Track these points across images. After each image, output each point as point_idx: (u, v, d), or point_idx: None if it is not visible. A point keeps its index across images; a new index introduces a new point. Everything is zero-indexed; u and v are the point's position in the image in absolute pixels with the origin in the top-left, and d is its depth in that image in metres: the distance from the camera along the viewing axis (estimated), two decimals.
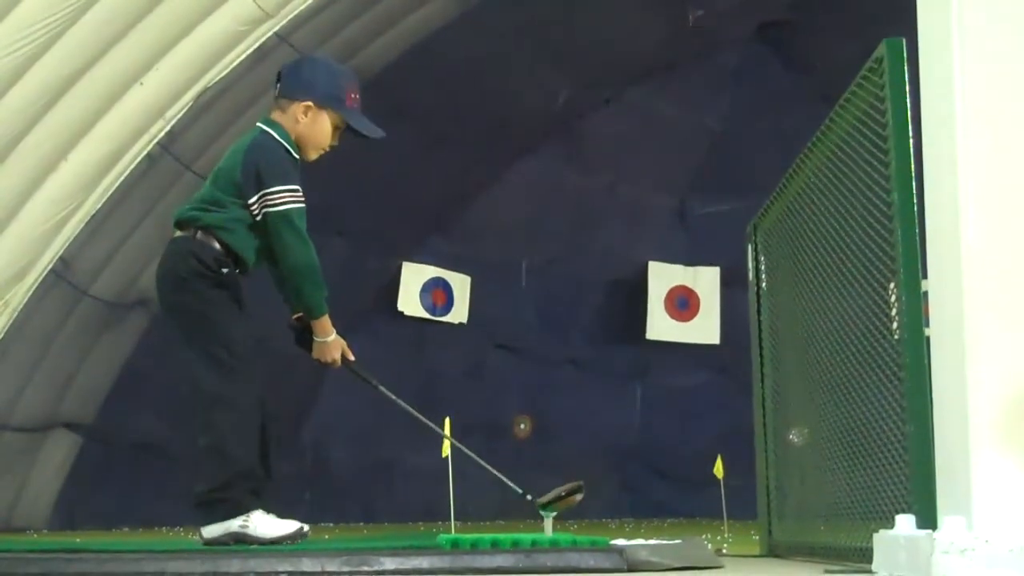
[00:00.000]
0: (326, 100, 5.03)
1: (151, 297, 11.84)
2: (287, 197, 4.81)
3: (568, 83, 15.01)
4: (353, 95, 5.11)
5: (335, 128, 5.09)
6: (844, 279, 4.69)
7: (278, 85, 5.10)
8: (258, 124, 5.05)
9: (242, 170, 4.84)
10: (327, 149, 5.12)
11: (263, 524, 4.62)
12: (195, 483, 4.67)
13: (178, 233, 4.93)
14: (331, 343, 5.07)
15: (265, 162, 4.85)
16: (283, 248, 4.82)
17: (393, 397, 5.26)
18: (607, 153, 16.54)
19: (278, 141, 4.94)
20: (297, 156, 5.00)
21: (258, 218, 4.82)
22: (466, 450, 5.68)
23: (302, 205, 4.84)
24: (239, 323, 4.83)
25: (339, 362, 5.13)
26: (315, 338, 5.05)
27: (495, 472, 5.39)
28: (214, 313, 4.79)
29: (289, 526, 4.66)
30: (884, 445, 4.14)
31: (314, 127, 5.02)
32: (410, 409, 5.35)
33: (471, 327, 16.53)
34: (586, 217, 16.87)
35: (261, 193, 4.80)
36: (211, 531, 4.63)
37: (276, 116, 5.04)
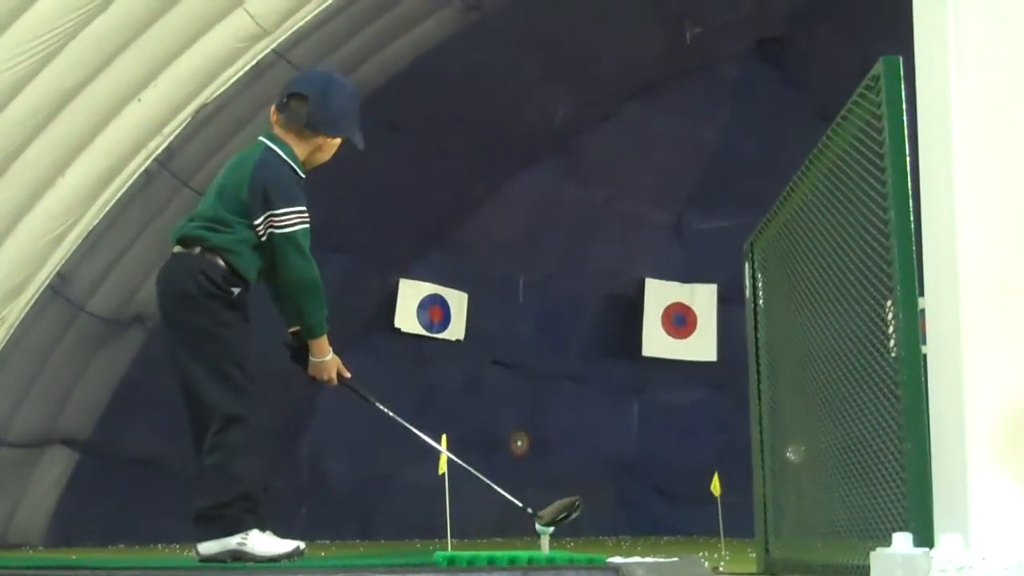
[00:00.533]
0: (351, 130, 5.04)
1: (148, 313, 11.84)
2: (293, 218, 4.80)
3: (566, 98, 15.02)
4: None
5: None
6: (841, 296, 4.69)
7: (297, 104, 4.98)
8: (261, 139, 5.00)
9: (248, 188, 4.81)
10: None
11: (261, 542, 4.61)
12: (197, 498, 4.66)
13: (179, 249, 4.90)
14: (328, 362, 5.07)
15: (272, 182, 4.82)
16: (288, 268, 4.82)
17: (390, 413, 5.26)
18: (605, 168, 16.55)
19: (284, 160, 4.91)
20: (303, 175, 4.98)
21: (263, 238, 4.82)
22: (466, 466, 5.67)
23: (307, 226, 4.84)
24: (250, 343, 4.84)
25: (335, 380, 5.13)
26: (312, 357, 5.05)
27: (496, 487, 5.38)
28: (227, 333, 4.78)
29: (286, 545, 4.65)
30: (881, 463, 4.14)
31: (326, 152, 5.04)
32: (408, 425, 5.34)
33: (468, 343, 16.52)
34: (583, 233, 16.88)
35: (268, 214, 4.79)
36: (208, 547, 4.62)
37: (283, 135, 4.98)
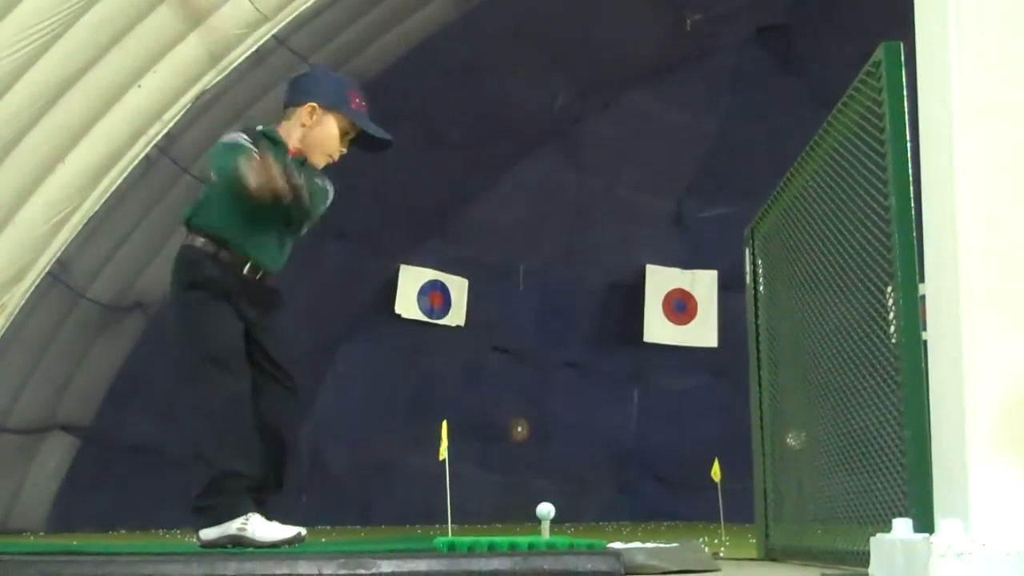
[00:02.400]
0: (331, 102, 5.04)
1: (148, 300, 11.85)
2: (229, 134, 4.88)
3: (566, 86, 15.02)
4: (358, 100, 5.13)
5: (343, 134, 5.09)
6: (841, 283, 4.69)
7: (285, 96, 5.14)
8: (258, 128, 5.08)
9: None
10: (335, 157, 5.10)
11: (261, 528, 4.61)
12: (193, 489, 4.68)
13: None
14: (260, 178, 4.56)
15: None
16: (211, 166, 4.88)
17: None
18: (605, 156, 16.56)
19: (259, 132, 4.99)
20: (276, 142, 4.96)
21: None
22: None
23: (233, 139, 4.85)
24: (218, 323, 4.77)
25: (281, 183, 4.59)
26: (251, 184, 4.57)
27: None
28: (188, 315, 4.78)
29: (287, 531, 4.65)
30: (881, 449, 4.15)
31: (320, 129, 5.02)
32: None
33: (469, 330, 16.54)
34: (584, 220, 16.89)
35: None
36: (208, 534, 4.63)
37: (280, 126, 5.06)
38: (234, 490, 4.63)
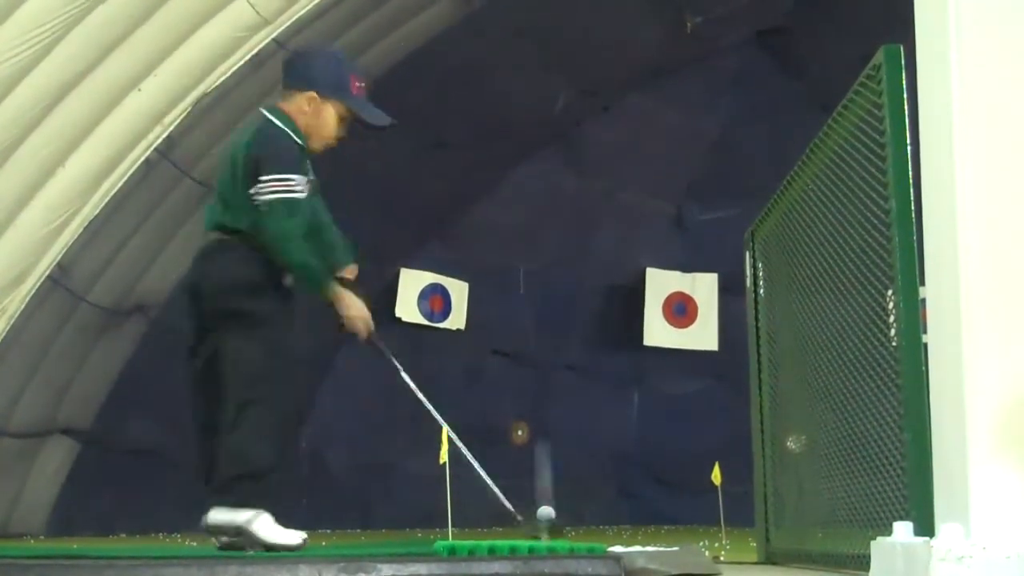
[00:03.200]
0: (330, 90, 5.03)
1: (149, 303, 11.85)
2: (274, 186, 4.78)
3: (566, 88, 15.01)
4: (359, 83, 5.11)
5: (341, 119, 5.08)
6: (842, 286, 4.69)
7: (282, 72, 5.13)
8: (261, 110, 5.08)
9: (243, 163, 4.86)
10: (334, 142, 5.10)
11: (266, 527, 4.61)
12: (222, 466, 4.67)
13: (225, 238, 4.92)
14: (353, 316, 5.05)
15: (263, 151, 4.85)
16: (269, 243, 4.81)
17: (412, 385, 5.28)
18: (605, 159, 16.54)
19: (281, 129, 4.94)
20: (302, 143, 4.97)
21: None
22: (470, 457, 5.71)
23: (292, 195, 4.80)
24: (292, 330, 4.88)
25: (363, 334, 5.11)
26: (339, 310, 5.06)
27: (493, 487, 5.43)
28: (275, 318, 4.81)
29: (291, 537, 4.65)
30: (882, 452, 4.14)
31: (318, 118, 5.02)
32: (423, 399, 5.37)
33: (469, 333, 16.51)
34: (584, 223, 16.87)
35: (258, 181, 4.83)
36: (217, 516, 4.63)
37: (282, 105, 5.05)
38: (261, 490, 4.65)
